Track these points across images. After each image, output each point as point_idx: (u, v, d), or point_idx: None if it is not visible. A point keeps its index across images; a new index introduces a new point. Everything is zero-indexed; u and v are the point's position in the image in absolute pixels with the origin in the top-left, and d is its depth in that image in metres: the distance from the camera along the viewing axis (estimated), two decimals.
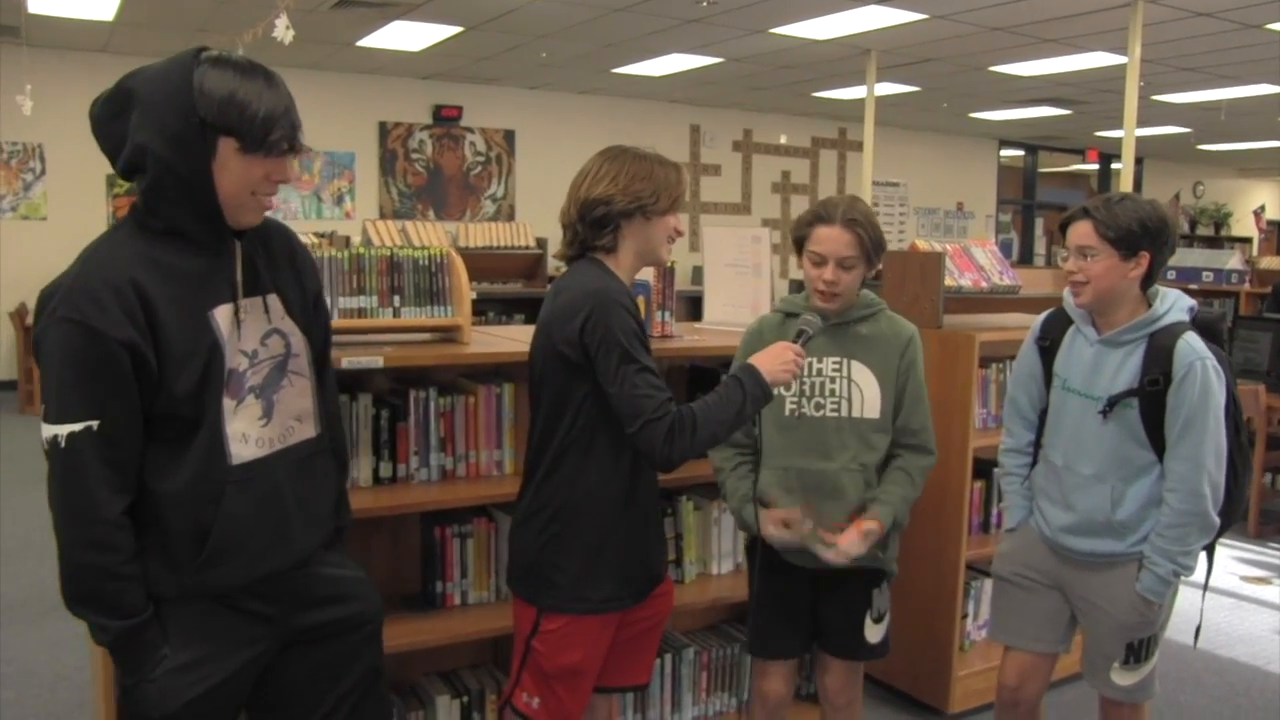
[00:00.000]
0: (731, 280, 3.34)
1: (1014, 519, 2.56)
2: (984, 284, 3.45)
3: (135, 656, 1.65)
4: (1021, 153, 15.18)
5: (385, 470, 2.58)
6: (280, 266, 1.81)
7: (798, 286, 3.30)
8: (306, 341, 1.84)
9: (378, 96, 10.59)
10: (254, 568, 1.72)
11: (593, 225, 2.09)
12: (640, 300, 2.85)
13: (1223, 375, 2.23)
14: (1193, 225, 16.27)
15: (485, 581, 2.69)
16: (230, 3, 7.33)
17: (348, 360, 2.36)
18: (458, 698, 2.69)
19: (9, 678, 3.53)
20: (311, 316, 1.87)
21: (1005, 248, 14.71)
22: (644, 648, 2.34)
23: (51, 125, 8.90)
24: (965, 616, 3.39)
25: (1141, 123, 7.90)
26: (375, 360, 2.41)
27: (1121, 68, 7.15)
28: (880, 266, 2.49)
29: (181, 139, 1.58)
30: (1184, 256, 8.56)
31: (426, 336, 2.79)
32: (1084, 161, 15.33)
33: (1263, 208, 17.71)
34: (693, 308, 4.01)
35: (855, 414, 2.37)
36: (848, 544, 2.28)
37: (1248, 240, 16.08)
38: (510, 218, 11.22)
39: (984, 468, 3.37)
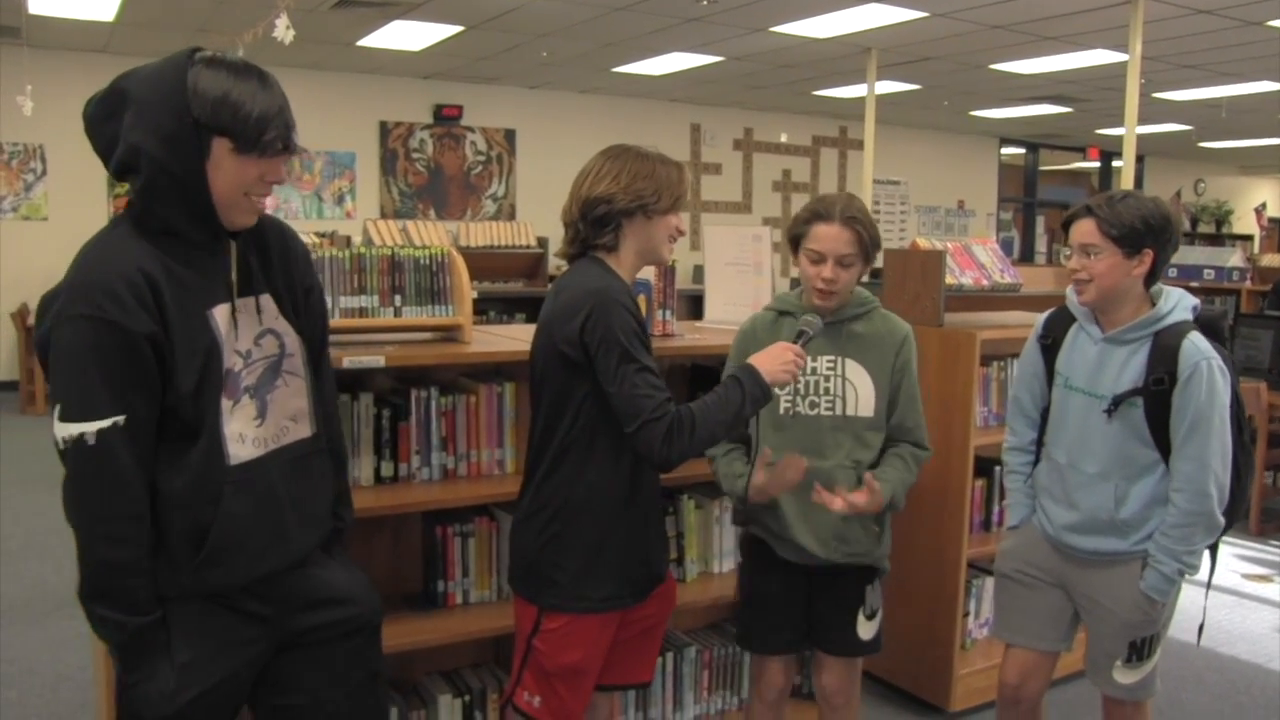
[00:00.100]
0: (732, 279, 3.34)
1: (1016, 516, 2.56)
2: (985, 282, 3.45)
3: (145, 654, 1.65)
4: (1022, 150, 15.17)
5: (387, 469, 2.58)
6: (274, 264, 1.81)
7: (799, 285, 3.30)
8: (301, 341, 1.83)
9: (378, 96, 10.59)
10: (252, 568, 1.72)
11: (594, 224, 2.09)
12: (641, 299, 2.85)
13: (1227, 375, 2.23)
14: (1194, 223, 16.25)
15: (487, 581, 2.69)
16: (230, 3, 7.32)
17: (349, 360, 2.36)
18: (459, 697, 2.69)
19: (11, 677, 3.53)
20: (304, 312, 1.86)
21: (1006, 246, 14.71)
22: (646, 646, 2.35)
23: (52, 126, 8.90)
24: (966, 615, 3.39)
25: (1142, 120, 7.89)
26: (376, 360, 2.41)
27: (1122, 65, 7.14)
28: (875, 265, 2.48)
29: (175, 139, 1.58)
30: (1185, 254, 8.56)
31: (428, 336, 2.79)
32: (1085, 159, 15.32)
33: (1264, 205, 17.70)
34: (694, 306, 4.01)
35: (850, 412, 2.37)
36: (854, 495, 2.25)
37: (1249, 238, 16.04)
38: (511, 217, 11.22)
39: (985, 466, 3.37)
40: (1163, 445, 2.26)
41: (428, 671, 2.78)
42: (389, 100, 10.67)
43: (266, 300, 1.78)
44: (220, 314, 1.69)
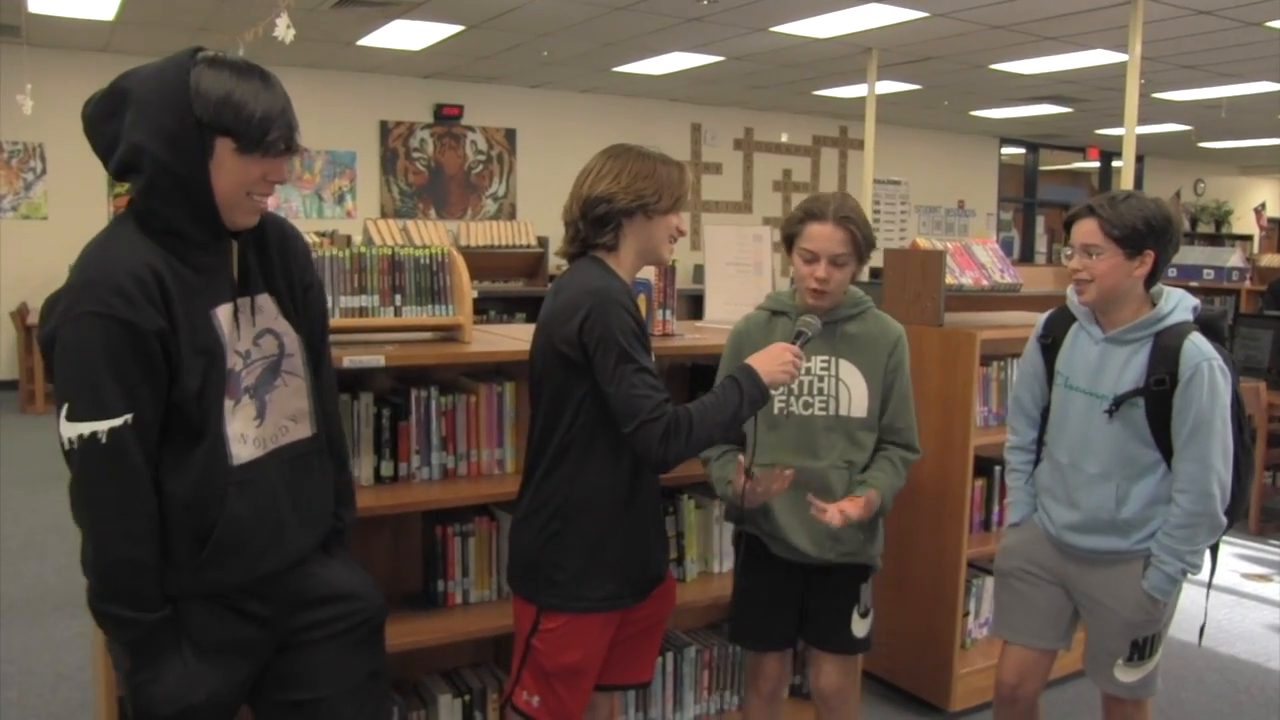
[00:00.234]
0: (733, 278, 3.35)
1: (1017, 514, 2.56)
2: (985, 282, 3.45)
3: (154, 653, 1.65)
4: (1022, 150, 15.17)
5: (387, 469, 2.58)
6: (273, 263, 1.81)
7: None
8: (300, 340, 1.83)
9: (379, 95, 10.59)
10: (252, 568, 1.72)
11: (594, 223, 2.09)
12: (642, 298, 2.85)
13: (1228, 375, 2.23)
14: (1194, 223, 16.26)
15: (487, 580, 2.69)
16: (231, 2, 7.32)
17: (349, 359, 2.36)
18: (459, 697, 2.69)
19: (11, 677, 3.53)
20: (304, 309, 1.86)
21: (1006, 246, 14.71)
22: (646, 646, 2.35)
23: (52, 125, 8.90)
24: (966, 614, 3.39)
25: (1142, 120, 7.89)
26: (376, 359, 2.41)
27: (1122, 65, 7.14)
28: (875, 265, 2.48)
29: (178, 139, 1.58)
30: (1185, 254, 8.56)
31: (428, 335, 2.79)
32: (1085, 159, 15.32)
33: (1263, 205, 17.70)
34: (694, 306, 4.01)
35: (843, 413, 2.38)
36: (844, 504, 2.26)
37: (1248, 238, 16.06)
38: (511, 216, 11.22)
39: (985, 466, 3.37)
40: (1164, 445, 2.27)
41: (428, 671, 2.78)
42: (389, 100, 10.67)
43: (265, 300, 1.78)
44: (223, 314, 1.69)
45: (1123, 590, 2.32)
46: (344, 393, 2.44)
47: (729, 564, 3.04)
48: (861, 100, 9.04)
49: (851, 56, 8.96)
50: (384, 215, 10.58)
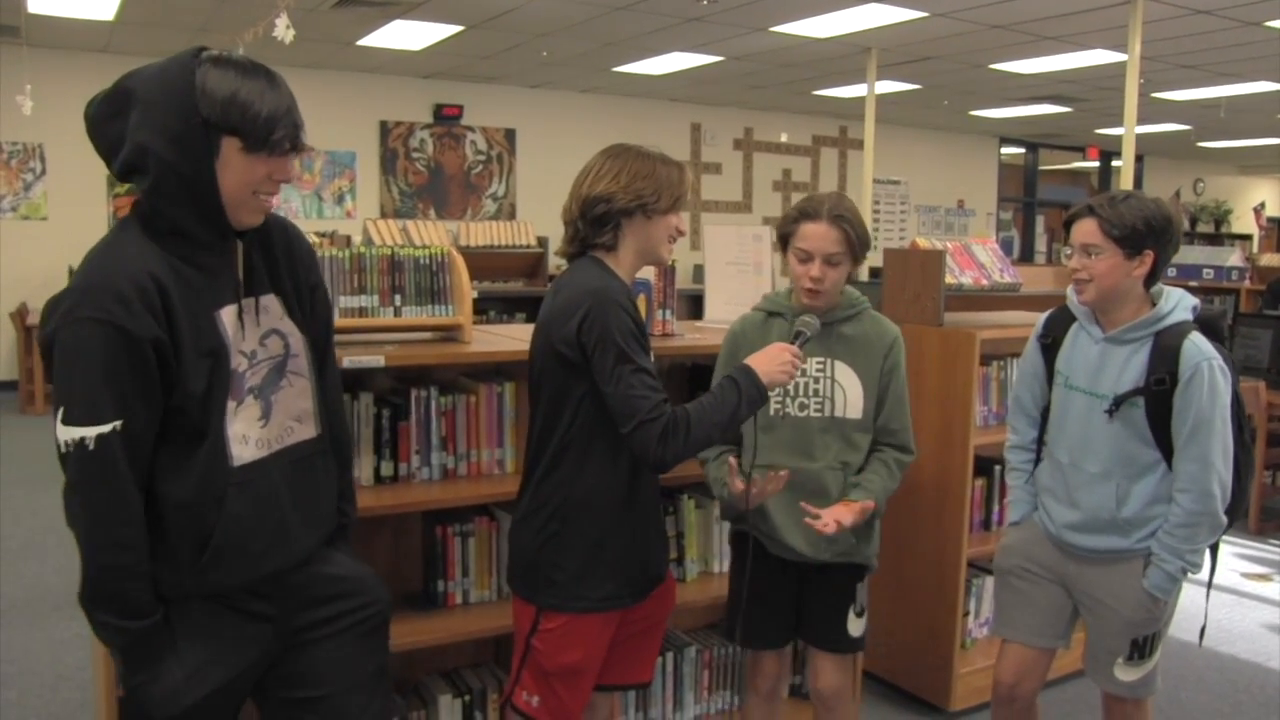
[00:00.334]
0: (733, 278, 3.35)
1: (1018, 513, 2.56)
2: (985, 282, 3.45)
3: (148, 656, 1.65)
4: (1022, 150, 15.17)
5: (387, 469, 2.58)
6: (279, 263, 1.81)
7: None
8: (306, 341, 1.83)
9: (378, 95, 10.59)
10: (255, 568, 1.72)
11: (594, 223, 2.09)
12: (641, 298, 2.86)
13: (1228, 374, 2.24)
14: (1193, 222, 16.27)
15: (487, 580, 2.69)
16: (231, 2, 7.32)
17: (349, 359, 2.37)
18: (459, 697, 2.69)
19: (11, 678, 3.53)
20: (308, 311, 1.86)
21: (1006, 245, 14.71)
22: (646, 646, 2.35)
23: (52, 125, 8.90)
24: (967, 614, 3.39)
25: (1142, 120, 7.90)
26: (376, 359, 2.41)
27: (1121, 65, 7.15)
28: (874, 265, 2.48)
29: (183, 139, 1.58)
30: (1185, 254, 8.56)
31: (428, 335, 2.79)
32: (1084, 159, 15.32)
33: (1263, 205, 17.71)
34: (694, 306, 4.01)
35: (838, 414, 2.38)
36: (837, 512, 2.26)
37: (1248, 237, 16.07)
38: (511, 216, 11.22)
39: (985, 465, 3.37)
40: (1164, 445, 2.27)
41: (428, 671, 2.78)
42: (389, 100, 10.67)
43: (271, 300, 1.78)
44: (227, 315, 1.69)
45: (1123, 589, 2.33)
46: (344, 392, 2.44)
47: (729, 564, 3.04)
48: (861, 100, 9.04)
49: (851, 56, 8.96)
50: (384, 215, 10.58)
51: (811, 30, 8.07)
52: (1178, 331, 2.24)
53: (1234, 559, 5.19)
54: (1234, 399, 2.26)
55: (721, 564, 3.02)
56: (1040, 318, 2.54)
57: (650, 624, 2.32)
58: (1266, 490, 5.91)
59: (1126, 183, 6.45)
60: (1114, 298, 2.28)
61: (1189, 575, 2.31)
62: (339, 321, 2.50)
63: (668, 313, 2.98)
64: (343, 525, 1.96)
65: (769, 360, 2.11)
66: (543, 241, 8.10)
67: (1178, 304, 2.30)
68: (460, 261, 2.69)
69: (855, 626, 2.45)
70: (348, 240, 8.07)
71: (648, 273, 2.88)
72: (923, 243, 3.67)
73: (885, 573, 3.26)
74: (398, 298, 2.62)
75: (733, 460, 2.28)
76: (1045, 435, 2.50)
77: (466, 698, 2.70)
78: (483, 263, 7.53)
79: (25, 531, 5.14)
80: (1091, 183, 16.70)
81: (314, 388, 1.85)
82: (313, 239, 3.90)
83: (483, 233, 7.97)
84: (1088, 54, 8.66)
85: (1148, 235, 2.22)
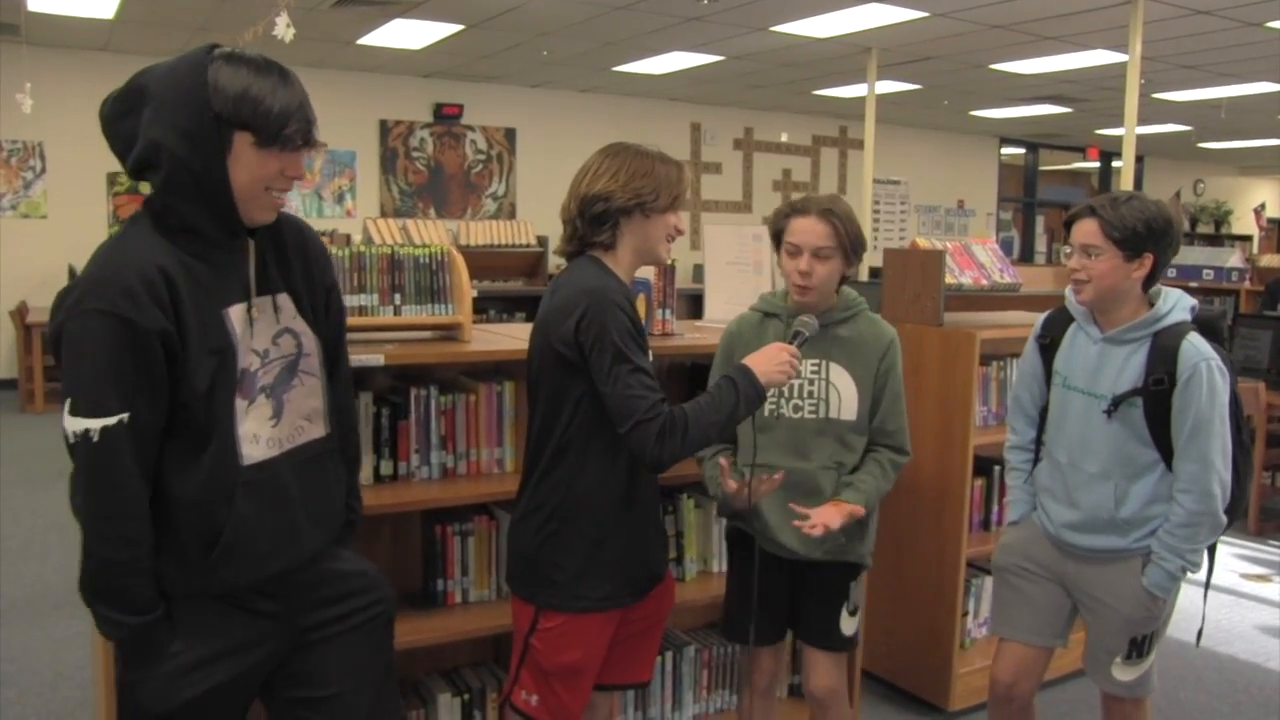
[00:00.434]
0: (732, 278, 3.35)
1: (1017, 512, 2.57)
2: (985, 282, 3.45)
3: (146, 652, 1.65)
4: (1022, 150, 15.17)
5: (386, 468, 2.58)
6: (292, 263, 1.81)
7: None
8: (318, 340, 1.84)
9: (378, 95, 10.59)
10: (262, 567, 1.72)
11: (592, 221, 2.09)
12: (641, 298, 2.86)
13: (1227, 375, 2.24)
14: (1193, 223, 16.27)
15: (486, 579, 2.69)
16: (231, 1, 7.32)
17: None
18: (459, 696, 2.69)
19: (10, 676, 3.53)
20: (322, 311, 1.86)
21: (1006, 245, 14.71)
22: (645, 645, 2.35)
23: (51, 123, 8.91)
24: (966, 614, 3.39)
25: (1142, 120, 7.90)
26: (376, 358, 2.41)
27: (1122, 65, 7.15)
28: (874, 265, 2.48)
29: (196, 135, 1.58)
30: (1185, 254, 8.58)
31: (427, 334, 2.79)
32: (1085, 159, 15.32)
33: (1263, 205, 17.70)
34: (694, 306, 4.01)
35: (833, 415, 2.38)
36: (826, 515, 2.26)
37: (1248, 238, 16.07)
38: (511, 216, 11.22)
39: (984, 465, 3.37)
40: (1162, 445, 2.27)
41: (427, 670, 2.78)
42: (389, 99, 10.67)
43: (284, 299, 1.78)
44: (236, 314, 1.68)
45: (1122, 587, 2.33)
46: None
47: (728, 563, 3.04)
48: (861, 100, 9.04)
49: (851, 56, 8.96)
50: (384, 214, 10.58)
51: (811, 30, 8.07)
52: (1176, 332, 2.25)
53: (1233, 559, 5.19)
54: (1232, 399, 2.27)
55: (720, 563, 3.02)
56: (1039, 318, 2.54)
57: (650, 623, 2.32)
58: (1266, 491, 5.91)
59: (1127, 183, 6.45)
60: (1112, 298, 2.28)
61: (1187, 575, 2.31)
62: None
63: (667, 312, 2.98)
64: (350, 522, 1.96)
65: (767, 360, 2.11)
66: (542, 241, 8.11)
67: (1176, 304, 2.30)
68: (460, 261, 2.69)
69: (848, 625, 2.45)
70: (347, 239, 8.08)
71: (648, 272, 2.89)
72: (923, 243, 3.67)
73: (885, 572, 3.27)
74: (397, 297, 2.62)
75: (724, 460, 2.28)
76: (1044, 435, 2.51)
77: (466, 697, 2.70)
78: (482, 262, 7.54)
79: (25, 531, 5.14)
80: (1092, 183, 16.70)
81: (324, 387, 1.85)
82: None
83: (483, 232, 7.98)
84: (1088, 54, 8.67)
85: (1148, 238, 2.22)
